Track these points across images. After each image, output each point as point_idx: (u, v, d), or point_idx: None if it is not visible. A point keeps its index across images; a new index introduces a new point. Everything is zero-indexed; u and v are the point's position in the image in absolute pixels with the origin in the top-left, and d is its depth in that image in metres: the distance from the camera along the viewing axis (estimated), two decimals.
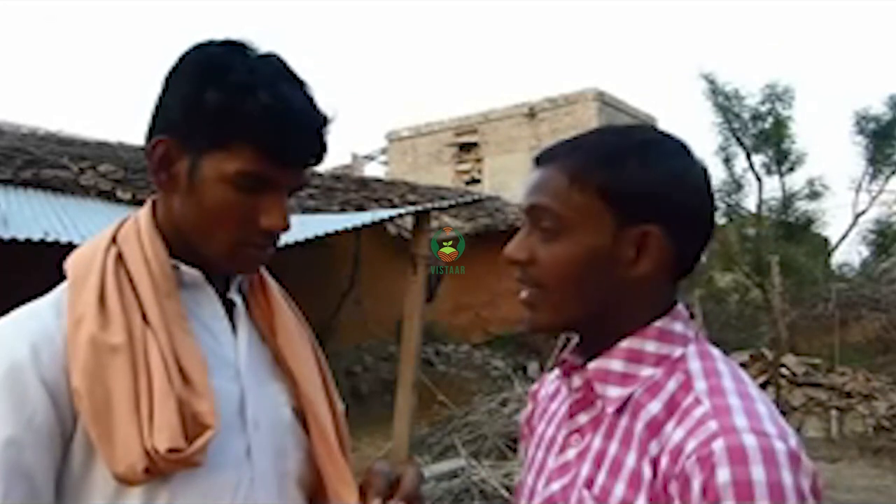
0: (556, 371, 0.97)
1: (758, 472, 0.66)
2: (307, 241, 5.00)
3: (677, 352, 0.80)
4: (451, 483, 5.23)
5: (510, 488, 5.19)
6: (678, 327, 0.82)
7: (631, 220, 0.79)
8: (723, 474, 0.66)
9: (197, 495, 0.84)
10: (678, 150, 0.84)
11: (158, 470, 0.79)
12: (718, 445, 0.68)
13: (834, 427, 8.35)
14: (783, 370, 9.09)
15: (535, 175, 0.85)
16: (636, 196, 0.79)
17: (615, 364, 0.81)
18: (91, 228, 5.15)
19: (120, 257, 0.89)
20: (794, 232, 11.28)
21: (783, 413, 7.56)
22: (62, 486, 0.83)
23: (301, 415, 0.97)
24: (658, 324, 0.81)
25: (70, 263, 0.90)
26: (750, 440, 0.68)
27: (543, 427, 0.93)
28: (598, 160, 0.80)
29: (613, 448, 0.79)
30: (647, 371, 0.80)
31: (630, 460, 0.76)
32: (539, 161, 0.86)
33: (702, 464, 0.68)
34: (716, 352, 0.83)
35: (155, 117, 0.90)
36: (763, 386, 8.83)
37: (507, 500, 5.05)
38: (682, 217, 0.80)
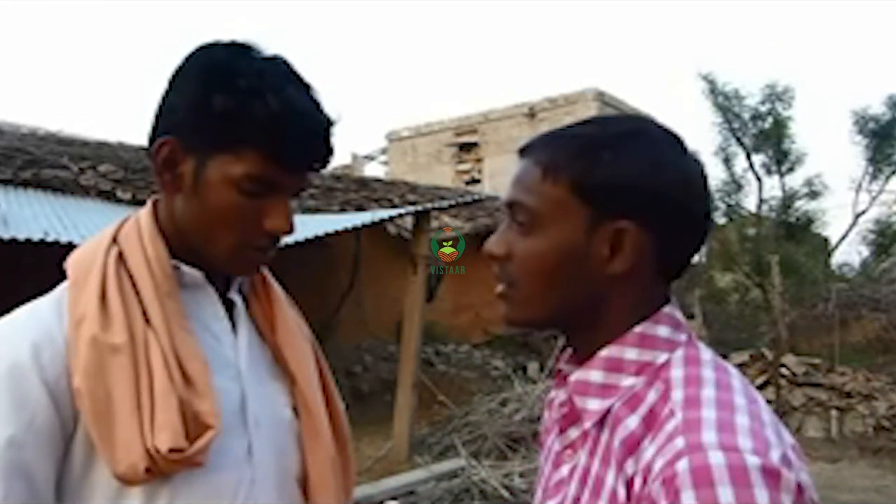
0: None
1: (725, 494, 0.59)
2: (307, 241, 5.00)
3: (661, 358, 0.74)
4: (451, 483, 5.23)
5: (510, 488, 5.19)
6: (663, 331, 0.76)
7: (605, 215, 0.74)
8: (687, 498, 0.60)
9: (198, 495, 0.84)
10: (665, 141, 0.77)
11: (160, 470, 0.79)
12: (682, 466, 0.62)
13: (834, 427, 8.36)
14: (783, 370, 9.09)
15: (517, 168, 0.81)
16: (609, 190, 0.74)
17: (594, 375, 0.76)
18: (91, 228, 5.14)
19: (121, 257, 0.89)
20: (794, 232, 11.27)
21: (783, 413, 7.49)
22: (63, 486, 0.83)
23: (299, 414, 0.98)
24: (639, 329, 0.75)
25: (71, 263, 0.90)
26: (717, 458, 0.61)
27: (551, 438, 0.89)
28: (572, 152, 0.76)
29: (596, 466, 0.74)
30: (627, 381, 0.74)
31: (609, 479, 0.72)
32: (521, 153, 0.82)
33: (666, 487, 0.62)
34: (707, 356, 0.75)
35: (159, 117, 0.90)
36: (763, 386, 8.83)
37: (507, 500, 5.04)
38: (663, 213, 0.74)
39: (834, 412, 8.47)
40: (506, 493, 5.09)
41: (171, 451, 0.79)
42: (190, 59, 0.89)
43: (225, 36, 0.91)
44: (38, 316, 0.85)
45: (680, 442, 0.64)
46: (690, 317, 11.74)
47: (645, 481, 0.66)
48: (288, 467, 0.95)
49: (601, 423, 0.75)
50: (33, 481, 0.80)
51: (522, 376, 8.51)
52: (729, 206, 11.61)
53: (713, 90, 11.35)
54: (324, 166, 0.91)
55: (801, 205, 11.43)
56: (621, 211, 0.74)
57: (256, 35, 0.92)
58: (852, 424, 8.36)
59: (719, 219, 11.73)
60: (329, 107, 0.91)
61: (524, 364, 9.58)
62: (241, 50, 0.89)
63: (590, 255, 0.75)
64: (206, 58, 0.88)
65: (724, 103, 11.27)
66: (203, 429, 0.82)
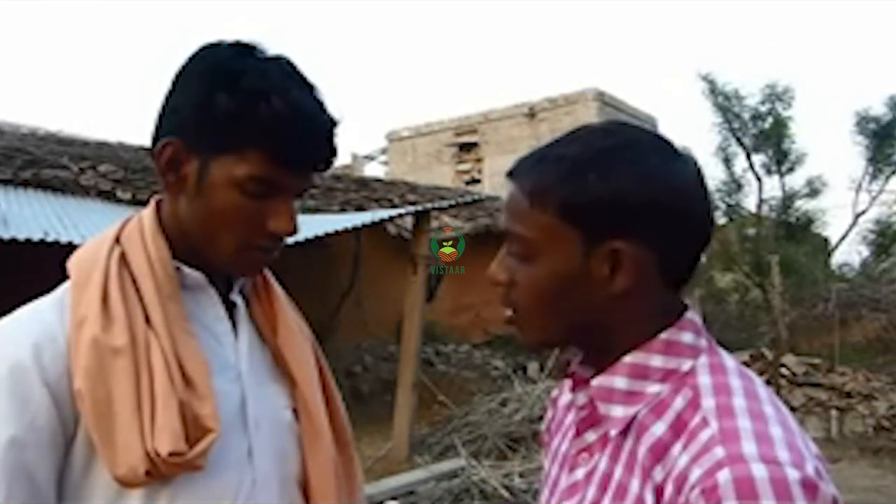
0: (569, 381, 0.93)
1: None
2: (307, 241, 4.99)
3: (686, 365, 0.74)
4: (451, 483, 5.22)
5: (510, 488, 5.18)
6: (687, 338, 0.76)
7: (599, 236, 0.73)
8: None
9: (198, 497, 0.84)
10: (650, 150, 0.76)
11: (159, 473, 0.79)
12: (724, 477, 0.62)
13: (834, 427, 8.35)
14: (783, 370, 9.09)
15: (507, 192, 0.81)
16: (599, 211, 0.73)
17: (619, 381, 0.75)
18: (91, 228, 5.14)
19: (123, 258, 0.89)
20: (794, 232, 11.26)
21: None
22: (63, 487, 0.83)
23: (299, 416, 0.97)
24: (664, 335, 0.75)
25: (73, 263, 0.90)
26: (759, 471, 0.61)
27: (559, 440, 0.89)
28: (556, 177, 0.75)
29: (618, 472, 0.74)
30: (653, 388, 0.74)
31: (634, 486, 0.71)
32: (510, 176, 0.81)
33: (706, 497, 0.62)
34: (731, 363, 0.76)
35: (162, 118, 0.89)
36: None
37: (507, 500, 5.04)
38: (659, 223, 0.73)
39: (834, 412, 8.47)
40: (506, 493, 5.08)
41: (172, 454, 0.78)
42: (193, 59, 0.89)
43: (225, 36, 0.91)
44: (40, 316, 0.85)
45: (719, 452, 0.64)
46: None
47: (680, 490, 0.65)
48: (288, 469, 0.95)
49: (625, 429, 0.75)
50: (35, 482, 0.80)
51: (522, 376, 8.51)
52: (729, 206, 11.59)
53: (713, 90, 11.34)
54: (327, 167, 0.91)
55: (801, 205, 11.43)
56: (615, 230, 0.73)
57: (257, 35, 0.91)
58: (852, 424, 8.36)
59: (719, 219, 11.72)
60: (332, 107, 0.91)
61: (524, 364, 9.58)
62: (244, 50, 0.88)
63: (590, 278, 0.75)
64: (210, 58, 0.88)
65: (724, 103, 11.26)
66: (203, 432, 0.82)
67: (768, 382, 8.84)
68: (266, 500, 0.90)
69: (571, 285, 0.75)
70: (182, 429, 0.80)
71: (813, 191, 11.31)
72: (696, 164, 0.78)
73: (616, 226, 0.73)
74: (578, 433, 0.82)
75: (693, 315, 0.78)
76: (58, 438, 0.81)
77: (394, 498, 4.89)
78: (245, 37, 0.90)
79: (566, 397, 0.94)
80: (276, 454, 0.93)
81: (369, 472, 5.58)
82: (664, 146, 0.77)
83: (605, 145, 0.76)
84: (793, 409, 8.53)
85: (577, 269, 0.75)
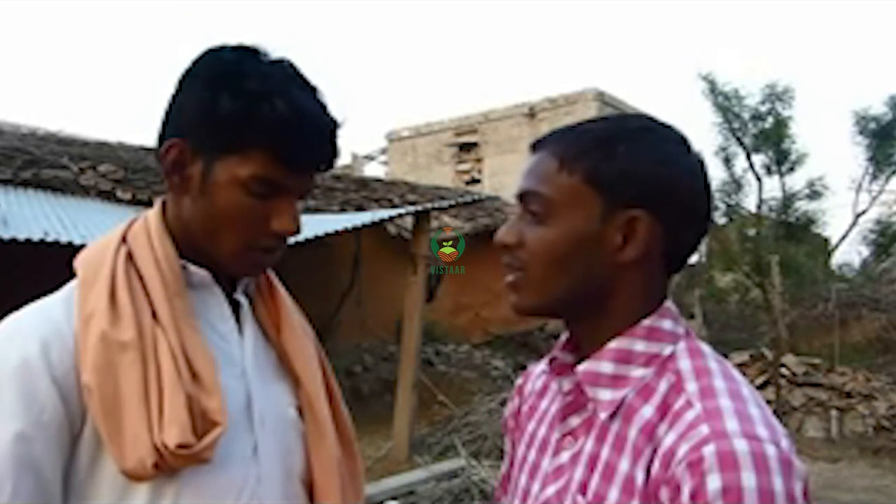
0: (542, 366, 0.97)
1: (748, 479, 0.64)
2: (307, 241, 5.00)
3: (667, 350, 0.79)
4: (451, 483, 5.23)
5: None
6: (667, 324, 0.80)
7: (618, 204, 0.78)
8: (713, 481, 0.65)
9: (203, 493, 0.85)
10: (673, 138, 0.82)
11: (167, 465, 0.80)
12: (709, 451, 0.66)
13: (834, 427, 8.35)
14: (783, 370, 9.08)
15: (529, 161, 0.85)
16: (623, 180, 0.78)
17: (605, 366, 0.79)
18: (91, 228, 5.15)
19: (130, 256, 0.90)
20: (794, 232, 11.25)
21: (783, 413, 7.48)
22: (69, 482, 0.84)
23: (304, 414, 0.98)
24: (647, 322, 0.79)
25: (80, 261, 0.91)
26: (741, 445, 0.66)
27: (534, 426, 0.92)
28: (587, 145, 0.80)
29: (606, 452, 0.77)
30: (637, 372, 0.78)
31: (623, 465, 0.75)
32: (534, 148, 0.85)
33: (692, 469, 0.67)
34: (706, 348, 0.80)
35: (168, 119, 0.91)
36: (763, 386, 8.84)
37: None
38: (673, 205, 0.78)
39: (834, 412, 8.47)
40: None
41: (179, 446, 0.79)
42: (198, 62, 0.91)
43: (227, 37, 0.92)
44: (48, 313, 0.86)
45: (704, 429, 0.69)
46: (690, 317, 11.73)
47: (667, 466, 0.70)
48: (293, 467, 0.96)
49: (612, 413, 0.78)
50: (41, 476, 0.81)
51: None
52: (729, 206, 11.58)
53: (713, 90, 11.33)
54: (329, 167, 0.93)
55: (802, 205, 11.41)
56: (634, 201, 0.78)
57: (259, 36, 0.93)
58: (852, 424, 8.36)
59: (719, 219, 11.72)
60: (334, 108, 0.92)
61: (524, 364, 9.57)
62: (247, 53, 0.90)
63: (602, 243, 0.79)
64: (214, 61, 0.90)
65: (724, 103, 11.24)
66: (210, 425, 0.83)
67: (768, 382, 8.87)
68: (270, 497, 0.91)
69: (583, 248, 0.79)
70: (190, 422, 0.81)
71: (814, 192, 11.30)
72: (704, 162, 0.84)
73: (636, 198, 0.78)
74: (563, 418, 0.84)
75: (671, 303, 0.83)
76: (65, 434, 0.82)
77: (394, 498, 4.89)
78: (247, 39, 0.92)
79: (534, 384, 0.98)
80: (280, 451, 0.94)
81: (369, 472, 5.58)
82: (681, 139, 0.83)
83: (634, 126, 0.82)
84: (793, 409, 8.55)
85: (593, 232, 0.79)
